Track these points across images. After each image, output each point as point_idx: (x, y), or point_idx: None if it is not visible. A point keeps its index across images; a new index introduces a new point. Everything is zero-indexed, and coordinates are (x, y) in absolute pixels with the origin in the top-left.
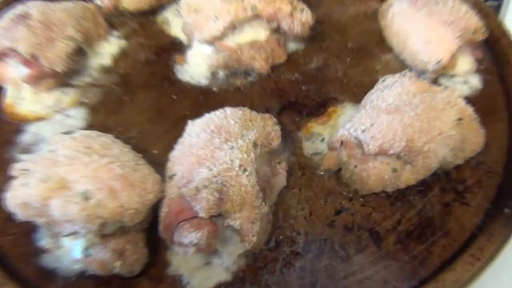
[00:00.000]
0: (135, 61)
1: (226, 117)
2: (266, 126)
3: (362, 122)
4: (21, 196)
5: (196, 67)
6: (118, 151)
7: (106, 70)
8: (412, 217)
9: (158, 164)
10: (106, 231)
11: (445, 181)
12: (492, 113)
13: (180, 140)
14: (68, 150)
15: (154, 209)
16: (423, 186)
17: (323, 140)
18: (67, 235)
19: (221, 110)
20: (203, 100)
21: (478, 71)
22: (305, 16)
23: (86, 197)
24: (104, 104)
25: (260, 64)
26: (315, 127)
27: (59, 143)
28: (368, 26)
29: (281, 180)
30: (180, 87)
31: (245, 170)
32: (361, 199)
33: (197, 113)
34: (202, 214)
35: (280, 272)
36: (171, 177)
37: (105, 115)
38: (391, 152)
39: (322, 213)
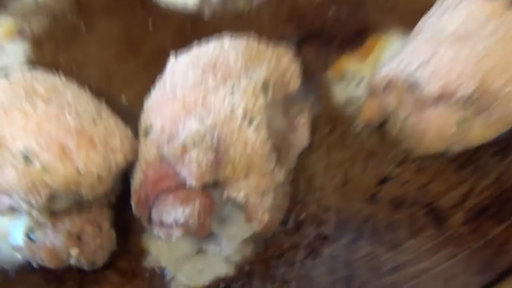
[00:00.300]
0: None
1: (223, 49)
2: (280, 62)
3: (417, 56)
4: None
5: None
6: (72, 97)
7: None
8: (485, 188)
9: (128, 114)
10: (57, 207)
11: None
12: None
13: (159, 82)
14: (3, 97)
15: (124, 177)
16: (501, 145)
17: (360, 82)
18: (3, 213)
19: (217, 40)
20: (190, 30)
21: None
22: None
23: (27, 158)
24: (52, 35)
25: None
26: (349, 64)
27: None
28: None
29: (302, 137)
30: (158, 13)
31: (251, 120)
32: (414, 163)
33: (181, 46)
34: (191, 182)
35: (301, 264)
36: (147, 132)
37: (54, 49)
38: (458, 95)
39: (360, 182)
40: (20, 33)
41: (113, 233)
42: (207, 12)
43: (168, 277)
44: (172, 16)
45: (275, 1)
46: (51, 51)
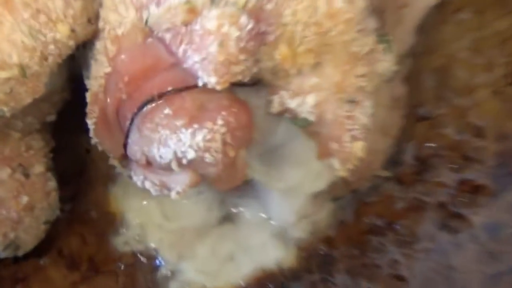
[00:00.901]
0: None
1: None
2: None
3: None
4: None
5: None
6: None
7: None
8: None
9: None
10: None
11: None
12: None
13: None
14: None
15: (71, 73)
16: None
17: None
18: None
19: None
20: None
21: None
22: None
23: None
24: None
25: None
26: None
27: None
28: None
29: None
30: None
31: None
32: None
33: None
34: (209, 79)
35: (426, 248)
36: None
37: None
38: None
39: None
40: None
41: (52, 183)
42: None
43: (162, 270)
44: None
45: None
46: None
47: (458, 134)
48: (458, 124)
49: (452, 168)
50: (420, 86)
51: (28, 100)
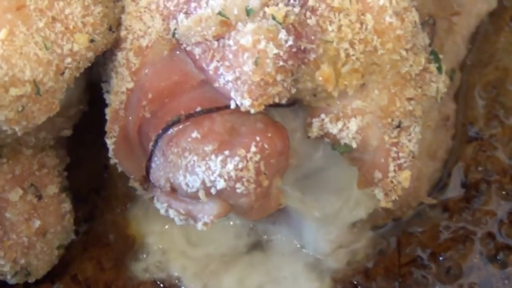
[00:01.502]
0: None
1: None
2: None
3: None
4: None
5: None
6: None
7: None
8: None
9: None
10: None
11: None
12: None
13: None
14: None
15: (91, 89)
16: None
17: None
18: None
19: None
20: None
21: None
22: None
23: None
24: None
25: None
26: None
27: None
28: None
29: None
30: None
31: None
32: None
33: None
34: (244, 99)
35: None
36: None
37: None
38: None
39: None
40: None
41: (67, 205)
42: None
43: None
44: None
45: None
46: None
47: (510, 158)
48: (510, 146)
49: (503, 195)
50: (471, 103)
51: (41, 119)
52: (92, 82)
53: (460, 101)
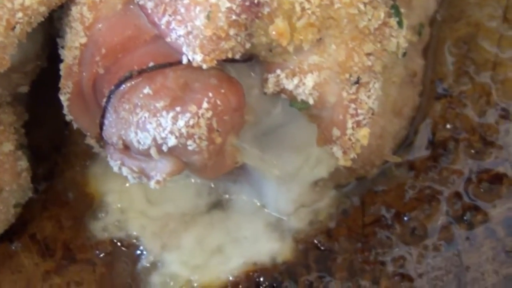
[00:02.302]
0: None
1: None
2: None
3: None
4: None
5: None
6: None
7: None
8: None
9: None
10: None
11: None
12: None
13: None
14: None
15: (45, 41)
16: None
17: None
18: None
19: None
20: None
21: None
22: None
23: None
24: None
25: None
26: None
27: None
28: None
29: None
30: None
31: None
32: None
33: None
34: (194, 53)
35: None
36: None
37: None
38: None
39: None
40: None
41: (23, 162)
42: None
43: (144, 260)
44: None
45: None
46: None
47: (480, 116)
48: (480, 103)
49: (471, 153)
50: (440, 59)
51: None
52: (52, 38)
53: (429, 56)
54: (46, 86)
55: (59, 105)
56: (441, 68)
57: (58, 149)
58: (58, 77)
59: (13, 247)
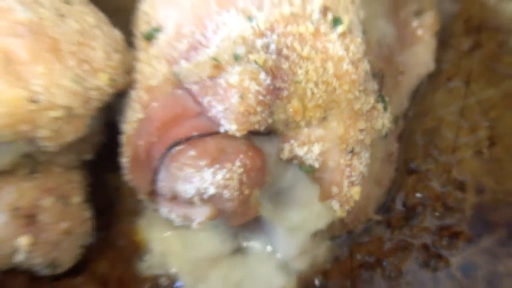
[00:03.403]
0: None
1: None
2: None
3: None
4: None
5: None
6: None
7: None
8: None
9: (118, 9)
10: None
11: None
12: None
13: None
14: None
15: (109, 119)
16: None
17: None
18: None
19: None
20: None
21: None
22: None
23: None
24: None
25: None
26: None
27: None
28: None
29: (422, 57)
30: None
31: (335, 20)
32: None
33: None
34: (230, 127)
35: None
36: (151, 36)
37: None
38: None
39: None
40: None
41: (88, 213)
42: None
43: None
44: None
45: None
46: None
47: (442, 187)
48: (442, 178)
49: (435, 215)
50: (411, 144)
51: (71, 137)
52: (111, 120)
53: (403, 141)
54: (103, 157)
55: (112, 173)
56: (412, 150)
57: (111, 208)
58: (112, 151)
59: (76, 281)
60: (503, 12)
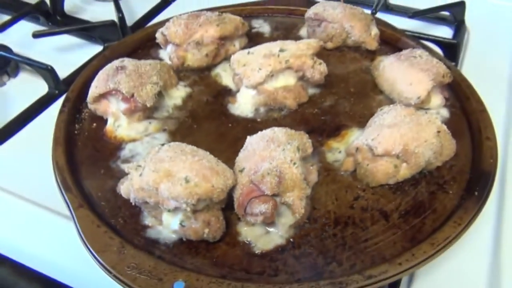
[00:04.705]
0: (199, 101)
1: (275, 132)
2: (302, 139)
3: (371, 134)
4: (138, 183)
5: (244, 105)
6: (203, 153)
7: (178, 107)
8: (408, 200)
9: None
10: (199, 207)
11: (429, 177)
12: (458, 134)
13: (243, 149)
14: (168, 152)
15: (229, 193)
16: (414, 180)
17: (340, 152)
18: (171, 210)
19: (270, 128)
20: (251, 127)
21: (446, 105)
22: (322, 67)
23: (187, 180)
24: (180, 130)
25: (290, 102)
26: (334, 144)
27: (159, 149)
28: (364, 77)
29: (314, 177)
30: (233, 119)
31: (294, 163)
32: (371, 189)
33: (247, 135)
34: (267, 192)
35: (319, 239)
36: (241, 171)
37: (181, 138)
38: (393, 153)
39: (344, 199)
40: (163, 129)
41: (224, 222)
42: (258, 118)
43: (252, 245)
44: (241, 120)
45: (293, 113)
46: (179, 138)
47: None
48: None
49: None
50: None
51: (220, 200)
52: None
53: None
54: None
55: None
56: None
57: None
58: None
59: None
60: None
